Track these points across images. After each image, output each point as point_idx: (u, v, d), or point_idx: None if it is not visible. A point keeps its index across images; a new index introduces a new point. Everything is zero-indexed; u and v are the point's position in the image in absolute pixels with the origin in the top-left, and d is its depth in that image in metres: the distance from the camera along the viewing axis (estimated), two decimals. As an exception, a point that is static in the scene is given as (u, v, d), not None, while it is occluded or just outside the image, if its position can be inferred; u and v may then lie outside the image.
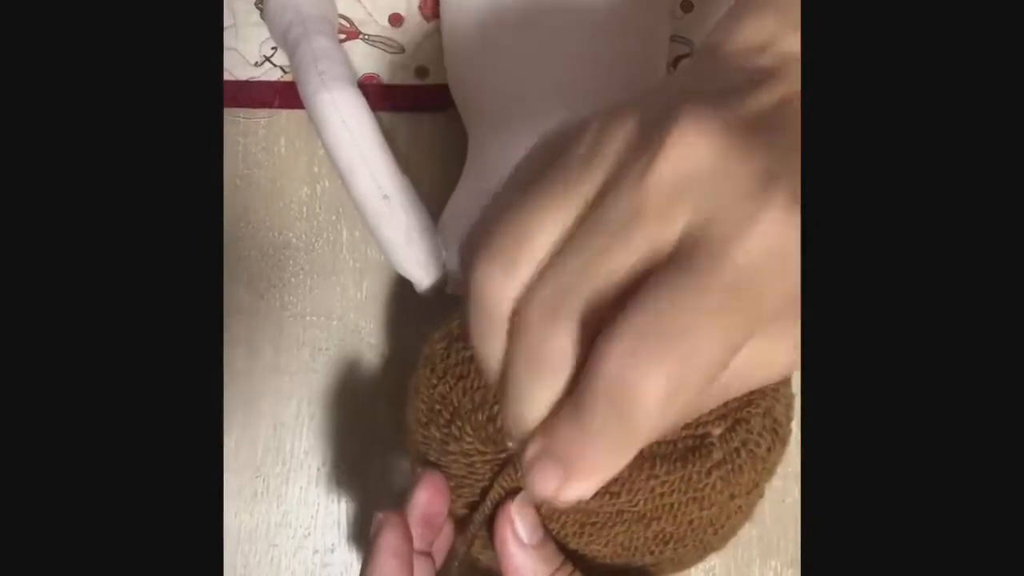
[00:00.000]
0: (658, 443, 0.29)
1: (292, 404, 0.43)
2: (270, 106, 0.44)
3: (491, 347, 0.24)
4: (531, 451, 0.23)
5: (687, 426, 0.29)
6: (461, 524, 0.31)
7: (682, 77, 0.27)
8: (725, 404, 0.29)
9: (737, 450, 0.29)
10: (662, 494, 0.28)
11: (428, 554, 0.31)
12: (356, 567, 0.42)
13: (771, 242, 0.21)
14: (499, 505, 0.29)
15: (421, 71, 0.45)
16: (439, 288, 0.39)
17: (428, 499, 0.30)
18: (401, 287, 0.43)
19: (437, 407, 0.30)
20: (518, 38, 0.39)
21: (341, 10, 0.44)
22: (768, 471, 0.30)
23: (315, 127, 0.39)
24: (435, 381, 0.31)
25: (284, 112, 0.44)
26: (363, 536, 0.43)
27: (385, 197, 0.37)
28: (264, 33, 0.44)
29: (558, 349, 0.22)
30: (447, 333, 0.32)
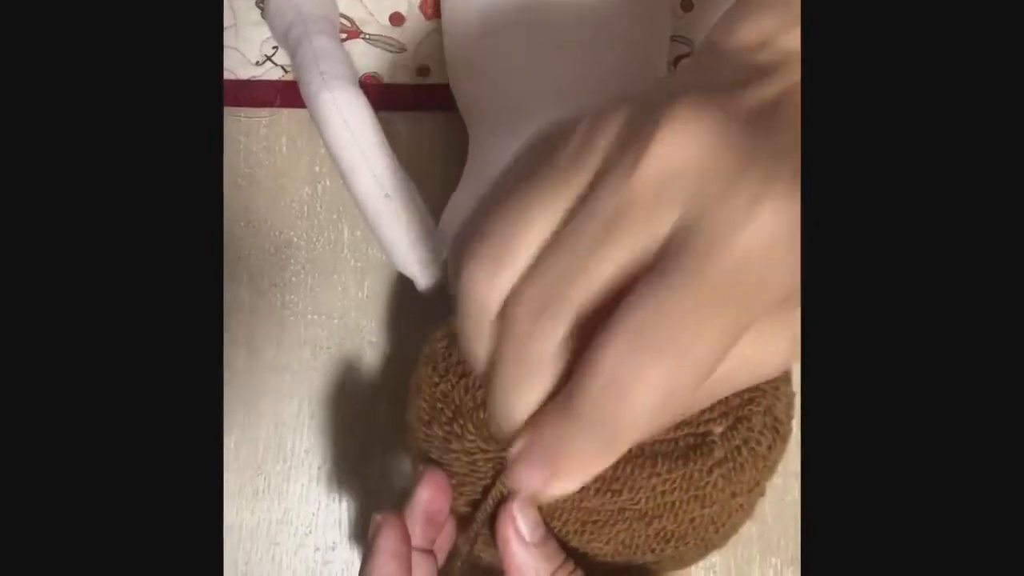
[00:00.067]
0: (659, 441, 0.29)
1: (293, 403, 0.43)
2: (271, 105, 0.44)
3: (479, 345, 0.24)
4: (517, 447, 0.23)
5: (688, 424, 0.29)
6: (463, 522, 0.31)
7: (680, 75, 0.27)
8: (726, 402, 0.29)
9: (738, 448, 0.29)
10: (663, 492, 0.28)
11: (430, 552, 0.31)
12: (357, 565, 0.42)
13: (762, 237, 0.20)
14: (501, 503, 0.29)
15: (422, 70, 0.45)
16: (440, 287, 0.39)
17: (430, 497, 0.30)
18: (402, 286, 0.43)
19: (439, 405, 0.30)
20: (519, 38, 0.39)
21: (342, 9, 0.44)
22: (769, 469, 0.30)
23: (316, 126, 0.39)
24: (437, 379, 0.31)
25: (285, 111, 0.44)
26: (364, 534, 0.43)
27: (386, 196, 0.38)
28: (265, 32, 0.44)
29: (545, 349, 0.22)
30: (448, 331, 0.32)
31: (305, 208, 0.44)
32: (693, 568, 0.41)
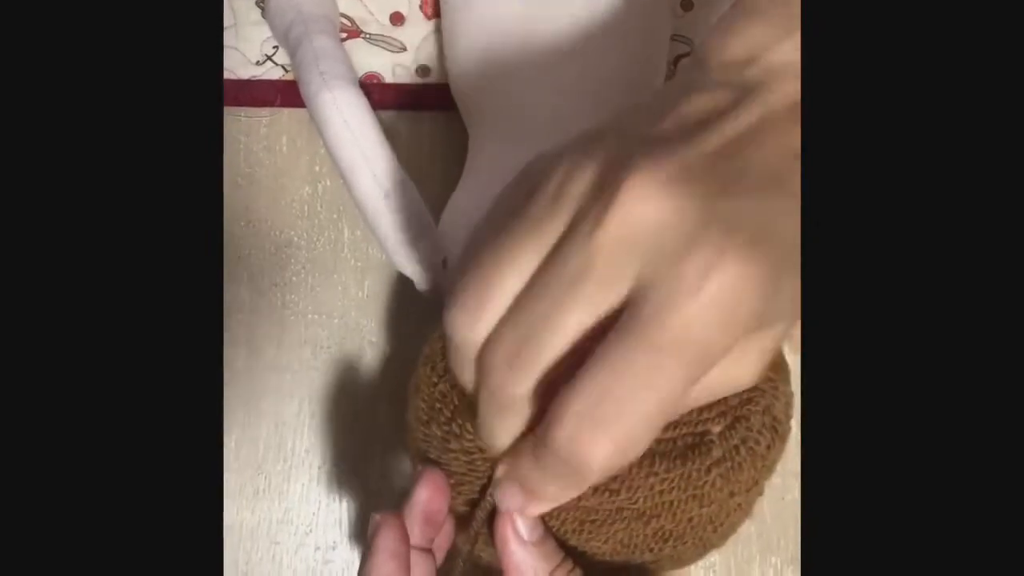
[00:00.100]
0: (657, 441, 0.29)
1: (293, 402, 0.43)
2: (272, 105, 0.45)
3: (465, 376, 0.27)
4: (499, 471, 0.27)
5: (686, 424, 0.29)
6: (462, 521, 0.31)
7: (667, 91, 0.27)
8: (724, 402, 0.29)
9: (737, 447, 0.29)
10: (661, 491, 0.28)
11: (429, 551, 0.31)
12: (357, 564, 0.43)
13: (710, 304, 0.22)
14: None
15: (422, 70, 0.45)
16: (440, 287, 0.39)
17: (429, 496, 0.30)
18: (402, 286, 0.44)
19: (438, 405, 0.30)
20: (518, 38, 0.39)
21: (342, 9, 0.44)
22: (768, 469, 0.30)
23: (317, 126, 0.39)
24: (436, 379, 0.31)
25: (286, 111, 0.44)
26: (364, 534, 0.43)
27: (386, 196, 0.38)
28: (265, 32, 0.44)
29: (517, 393, 0.25)
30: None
31: (305, 208, 0.44)
32: (692, 568, 0.41)
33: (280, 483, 0.43)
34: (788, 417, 0.31)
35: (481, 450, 0.29)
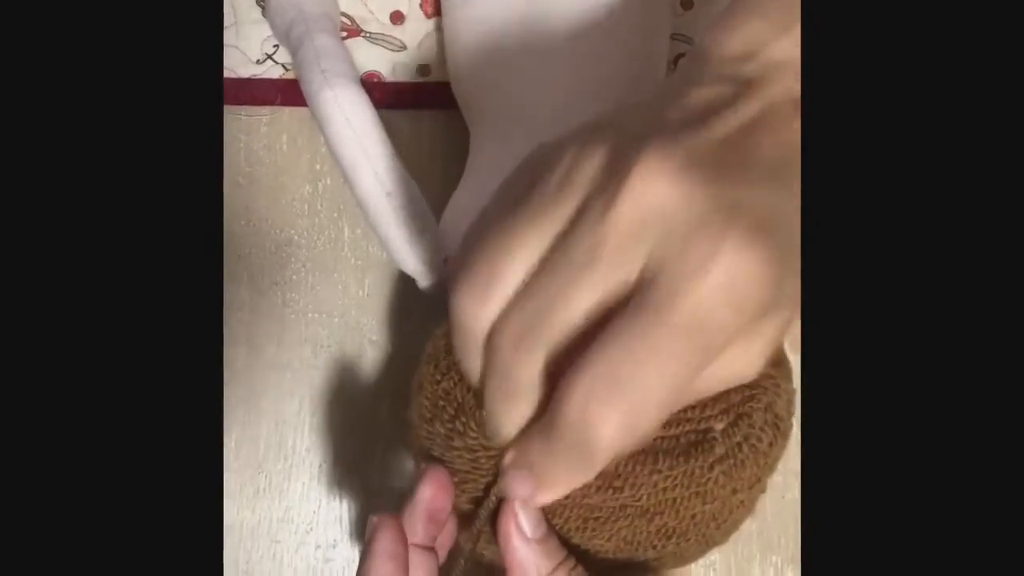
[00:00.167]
0: (661, 438, 0.29)
1: (294, 401, 0.43)
2: (272, 104, 0.44)
3: (471, 364, 0.26)
4: (507, 459, 0.27)
5: (689, 421, 0.29)
6: (465, 519, 0.31)
7: (668, 86, 0.27)
8: (727, 399, 0.29)
9: (739, 445, 0.29)
10: (665, 489, 0.28)
11: (432, 549, 0.31)
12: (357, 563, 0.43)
13: (718, 286, 0.22)
14: (503, 500, 0.29)
15: (423, 69, 0.45)
16: (441, 285, 0.40)
17: (432, 495, 0.30)
18: (403, 284, 0.44)
19: (441, 403, 0.30)
20: (519, 37, 0.39)
21: (343, 8, 0.44)
22: (770, 466, 0.30)
23: (318, 124, 0.39)
24: (439, 377, 0.31)
25: (286, 110, 0.44)
26: (364, 533, 0.43)
27: (388, 194, 0.38)
28: (266, 31, 0.44)
29: (526, 377, 0.24)
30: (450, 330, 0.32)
31: (306, 206, 0.44)
32: (693, 566, 0.41)
33: (281, 482, 0.43)
34: (790, 414, 0.31)
35: (485, 447, 0.29)
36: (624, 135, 0.24)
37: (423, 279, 0.39)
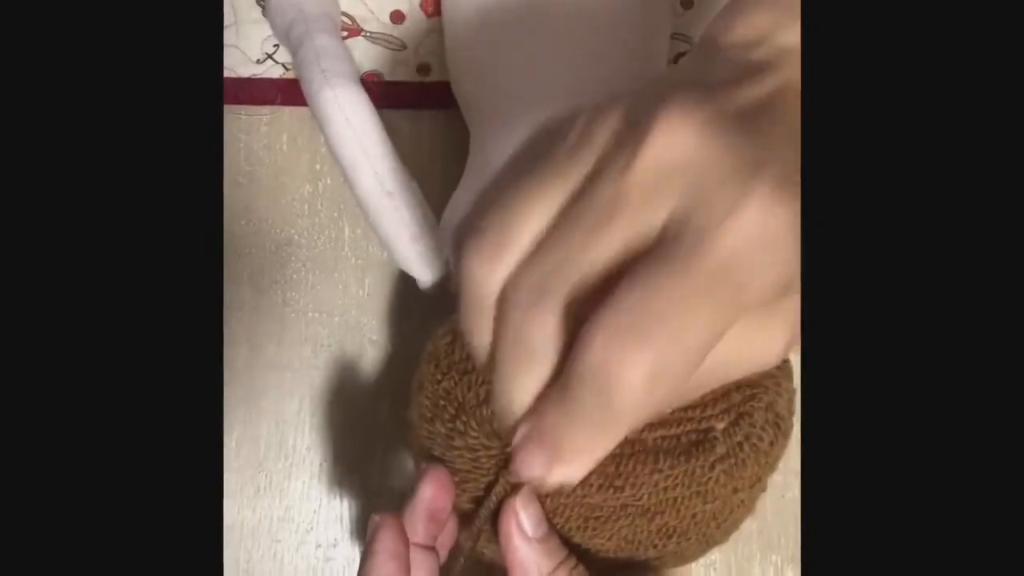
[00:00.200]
0: (661, 437, 0.29)
1: (294, 400, 0.43)
2: (272, 103, 0.44)
3: (480, 335, 0.24)
4: (519, 435, 0.24)
5: (690, 420, 0.29)
6: (465, 519, 0.31)
7: (676, 71, 0.27)
8: (728, 398, 0.29)
9: (740, 444, 0.29)
10: (665, 488, 0.28)
11: (432, 549, 0.31)
12: (358, 562, 0.43)
13: (753, 230, 0.21)
14: (504, 499, 0.29)
15: (423, 68, 0.45)
16: (442, 285, 0.40)
17: (433, 494, 0.30)
18: (403, 284, 0.44)
19: (442, 402, 0.30)
20: (519, 36, 0.39)
21: (343, 7, 0.44)
22: (771, 465, 0.30)
23: (318, 124, 0.39)
24: (439, 377, 0.31)
25: (286, 109, 0.44)
26: (365, 532, 0.43)
27: (388, 194, 0.38)
28: (266, 30, 0.44)
29: (542, 335, 0.22)
30: (451, 329, 0.32)
31: (306, 206, 0.44)
32: (694, 565, 0.41)
33: (281, 481, 0.43)
34: (790, 413, 0.31)
35: (486, 447, 0.29)
36: (639, 101, 0.23)
37: (423, 279, 0.39)
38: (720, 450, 0.29)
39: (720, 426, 0.29)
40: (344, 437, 0.43)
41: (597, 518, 0.29)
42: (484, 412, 0.29)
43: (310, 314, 0.44)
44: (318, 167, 0.44)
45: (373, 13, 0.45)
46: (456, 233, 0.26)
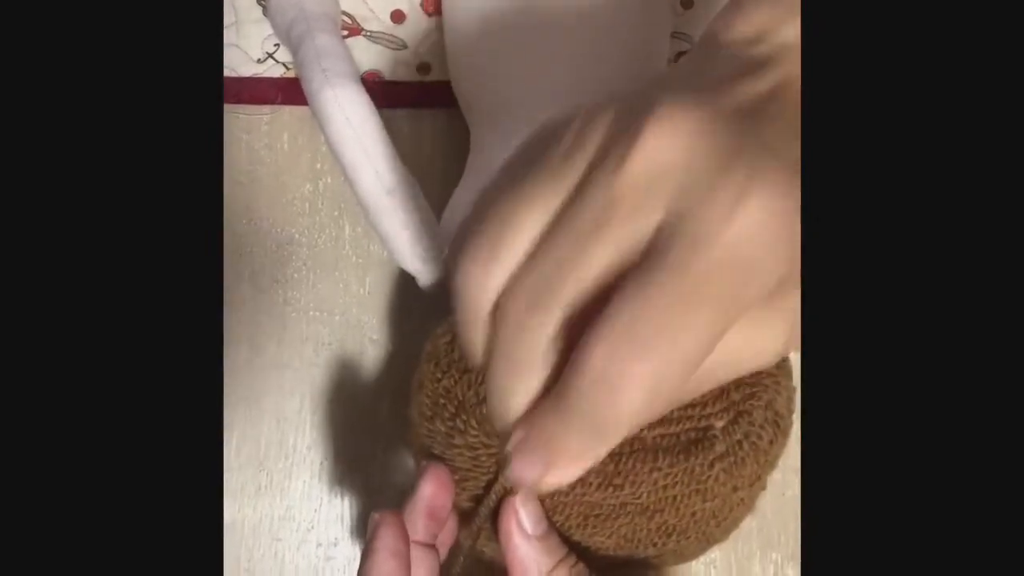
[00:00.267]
0: (661, 436, 0.29)
1: (295, 399, 0.43)
2: (273, 103, 0.45)
3: (476, 340, 0.24)
4: (513, 440, 0.24)
5: (690, 419, 0.29)
6: (465, 517, 0.31)
7: (677, 70, 0.27)
8: (727, 396, 0.29)
9: (739, 442, 0.29)
10: (665, 486, 0.28)
11: (432, 547, 0.31)
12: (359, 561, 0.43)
13: (747, 233, 0.21)
14: (504, 497, 0.29)
15: (423, 68, 0.45)
16: (442, 284, 0.40)
17: (433, 492, 0.30)
18: (404, 283, 0.44)
19: (442, 401, 0.30)
20: (520, 36, 0.40)
21: (343, 6, 0.44)
22: (770, 463, 0.30)
23: (319, 124, 0.39)
24: (439, 375, 0.31)
25: (287, 108, 0.45)
26: (366, 530, 0.43)
27: (388, 193, 0.38)
28: (266, 30, 0.44)
29: (537, 343, 0.23)
30: (451, 328, 0.33)
31: (307, 205, 0.44)
32: (693, 564, 0.42)
33: (281, 480, 0.43)
34: (790, 412, 0.31)
35: (485, 445, 0.29)
36: (633, 101, 0.23)
37: (424, 278, 0.39)
38: (720, 448, 0.29)
39: (719, 424, 0.29)
40: (345, 436, 0.43)
41: (597, 516, 0.29)
42: (484, 411, 0.29)
43: (311, 313, 0.44)
44: (319, 166, 0.44)
45: (373, 12, 0.45)
46: (455, 240, 0.26)
